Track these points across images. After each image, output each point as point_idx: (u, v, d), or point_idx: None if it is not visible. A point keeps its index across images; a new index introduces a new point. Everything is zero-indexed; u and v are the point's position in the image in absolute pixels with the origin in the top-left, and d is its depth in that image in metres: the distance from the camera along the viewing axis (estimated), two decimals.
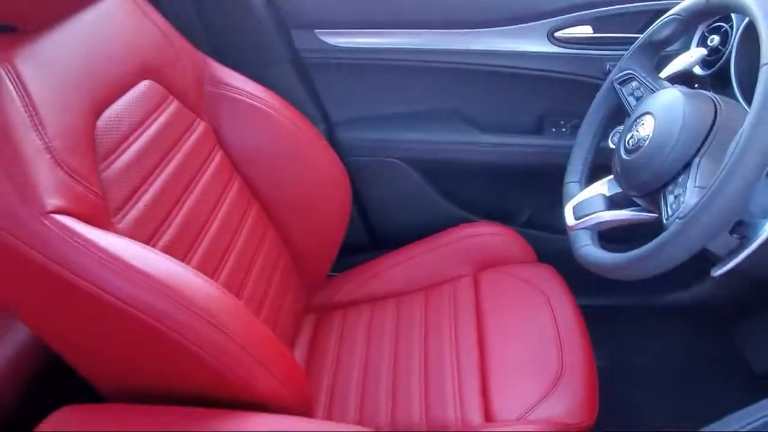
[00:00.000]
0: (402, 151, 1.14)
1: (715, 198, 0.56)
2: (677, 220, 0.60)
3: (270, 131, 0.94)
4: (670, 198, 0.66)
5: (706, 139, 0.65)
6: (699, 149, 0.65)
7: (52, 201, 0.54)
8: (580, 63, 1.04)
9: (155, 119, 0.77)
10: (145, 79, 0.76)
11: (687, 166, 0.65)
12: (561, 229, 1.22)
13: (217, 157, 0.89)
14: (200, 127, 0.87)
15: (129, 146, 0.70)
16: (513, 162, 1.12)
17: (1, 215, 0.52)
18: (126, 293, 0.54)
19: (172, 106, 0.81)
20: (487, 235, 1.06)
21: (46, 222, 0.53)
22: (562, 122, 1.11)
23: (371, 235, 1.25)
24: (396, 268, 1.06)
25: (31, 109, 0.55)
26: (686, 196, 0.62)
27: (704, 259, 1.18)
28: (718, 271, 0.65)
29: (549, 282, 0.98)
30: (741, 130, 0.56)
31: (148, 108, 0.76)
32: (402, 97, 1.13)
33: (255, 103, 0.92)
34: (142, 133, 0.73)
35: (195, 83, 0.87)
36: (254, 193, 0.96)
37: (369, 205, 1.20)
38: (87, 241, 0.54)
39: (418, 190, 1.18)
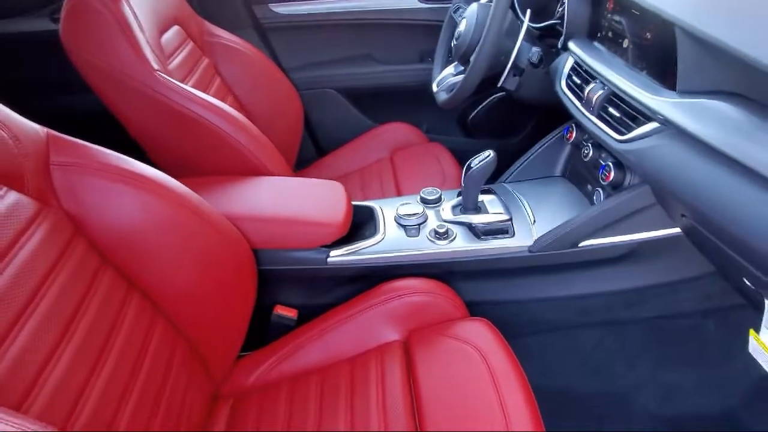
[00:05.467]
0: (334, 83, 1.70)
1: (482, 46, 1.15)
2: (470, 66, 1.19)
3: (250, 64, 1.48)
4: (474, 56, 1.24)
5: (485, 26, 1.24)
6: (483, 31, 1.24)
7: (156, 66, 1.06)
8: (439, 12, 1.64)
9: (183, 48, 1.29)
10: (176, 24, 1.29)
11: (478, 40, 1.24)
12: (452, 132, 1.82)
13: (217, 80, 1.42)
14: (205, 61, 1.40)
15: (175, 58, 1.23)
16: (406, 82, 1.72)
17: (132, 70, 1.04)
18: (203, 113, 1.07)
19: (190, 45, 1.34)
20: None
21: (155, 75, 1.05)
22: (434, 54, 1.70)
23: (317, 147, 1.79)
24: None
25: (137, 20, 1.08)
26: None
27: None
28: (501, 83, 1.25)
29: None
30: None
31: (179, 41, 1.28)
32: (332, 46, 1.70)
33: (237, 47, 1.46)
34: (179, 54, 1.26)
35: (199, 33, 1.41)
36: (241, 107, 1.48)
37: (314, 124, 1.76)
38: (177, 85, 1.07)
39: (347, 111, 1.75)
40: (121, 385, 0.72)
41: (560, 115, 1.36)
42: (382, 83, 1.73)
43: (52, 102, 1.55)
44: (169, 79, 1.06)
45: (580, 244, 1.01)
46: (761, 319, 0.82)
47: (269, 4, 1.62)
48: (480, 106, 1.78)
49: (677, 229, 0.96)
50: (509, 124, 1.84)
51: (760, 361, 0.83)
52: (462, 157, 1.53)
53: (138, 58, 1.04)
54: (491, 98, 1.76)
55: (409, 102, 1.77)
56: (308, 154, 1.78)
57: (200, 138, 1.09)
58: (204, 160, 1.13)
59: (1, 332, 0.59)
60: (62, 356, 0.65)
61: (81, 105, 1.46)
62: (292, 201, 1.04)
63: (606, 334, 1.13)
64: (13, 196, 0.68)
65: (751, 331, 0.83)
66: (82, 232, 0.77)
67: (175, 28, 1.28)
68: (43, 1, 1.55)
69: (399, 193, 1.41)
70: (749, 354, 0.85)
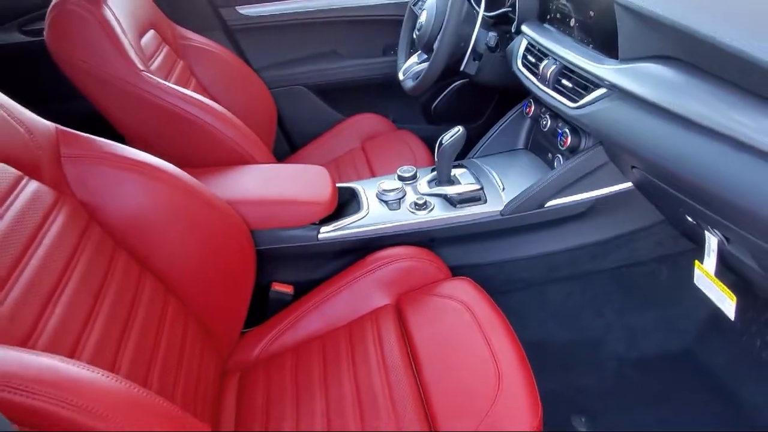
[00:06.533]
0: (303, 80, 1.78)
1: (444, 34, 1.26)
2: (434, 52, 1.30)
3: (222, 65, 1.54)
4: (437, 44, 1.34)
5: (445, 16, 1.35)
6: (443, 20, 1.35)
7: (141, 66, 1.12)
8: (399, 7, 1.74)
9: (160, 51, 1.35)
10: (152, 28, 1.35)
11: (439, 29, 1.35)
12: (417, 121, 1.92)
13: (193, 81, 1.48)
14: (180, 63, 1.45)
15: (154, 60, 1.29)
16: (371, 74, 1.81)
17: (119, 71, 1.10)
18: (191, 109, 1.13)
19: (166, 48, 1.40)
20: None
21: (141, 74, 1.11)
22: (397, 48, 1.80)
23: (289, 142, 1.87)
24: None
25: (119, 23, 1.13)
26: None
27: None
28: (462, 68, 1.35)
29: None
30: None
31: (156, 44, 1.34)
32: (298, 44, 1.77)
33: (210, 49, 1.53)
34: (158, 56, 1.32)
35: (173, 37, 1.46)
36: (212, 98, 1.54)
37: (286, 120, 1.83)
38: (164, 83, 1.13)
39: (317, 105, 1.83)
40: (145, 361, 0.78)
41: (516, 97, 1.48)
42: (349, 77, 1.81)
43: None
44: (155, 78, 1.12)
45: (546, 205, 1.12)
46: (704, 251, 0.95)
47: (235, 7, 1.68)
48: (442, 95, 1.88)
49: (629, 184, 1.08)
50: (470, 109, 1.95)
51: (703, 289, 0.96)
52: (429, 143, 1.63)
53: (124, 59, 1.10)
54: (452, 86, 1.86)
55: (375, 94, 1.86)
56: (281, 149, 1.85)
57: (189, 133, 1.16)
58: (194, 154, 1.19)
59: (34, 315, 0.64)
60: (91, 334, 0.71)
61: (55, 115, 1.49)
62: (281, 184, 1.11)
63: (574, 287, 1.25)
64: (34, 185, 0.74)
65: (696, 263, 0.95)
66: (96, 219, 0.83)
67: (151, 32, 1.34)
68: (11, 14, 1.58)
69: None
70: (699, 293, 0.98)
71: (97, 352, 0.69)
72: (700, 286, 0.96)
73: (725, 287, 0.90)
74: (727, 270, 0.96)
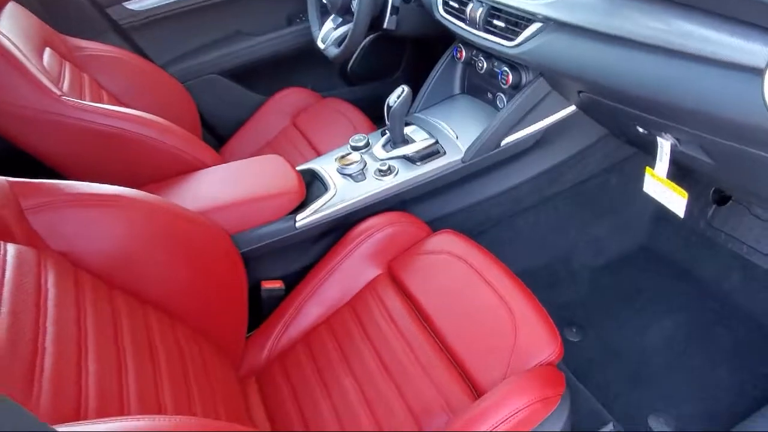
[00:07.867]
0: (214, 67, 1.69)
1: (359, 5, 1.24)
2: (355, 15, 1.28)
3: (127, 69, 1.43)
4: (354, 4, 1.32)
5: None
6: None
7: (56, 91, 1.02)
8: None
9: (64, 69, 1.23)
10: (47, 46, 1.22)
11: None
12: (338, 85, 1.89)
13: (104, 94, 1.37)
14: (86, 77, 1.33)
15: (63, 81, 1.17)
16: (282, 48, 1.75)
17: (37, 102, 0.99)
18: (124, 125, 1.06)
19: (68, 65, 1.27)
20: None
21: (62, 101, 1.02)
22: (301, 15, 1.75)
23: (215, 135, 1.79)
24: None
25: (18, 49, 1.02)
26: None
27: None
28: (385, 25, 1.35)
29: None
30: None
31: (57, 63, 1.21)
32: (199, 31, 1.67)
33: (109, 54, 1.41)
34: (64, 76, 1.20)
35: (68, 50, 1.33)
36: (128, 106, 1.43)
37: (207, 113, 1.74)
38: (88, 104, 1.04)
39: (235, 90, 1.75)
40: (184, 392, 0.76)
41: (431, 43, 1.49)
42: (260, 55, 1.74)
43: None
44: (78, 100, 1.03)
45: (502, 143, 1.17)
46: (655, 158, 1.03)
47: (123, 3, 1.55)
48: (355, 54, 1.87)
49: (572, 108, 1.15)
50: (384, 63, 1.95)
51: (653, 195, 1.05)
52: (359, 105, 1.62)
53: (37, 88, 1.00)
54: (362, 44, 1.85)
55: (291, 67, 1.82)
56: (210, 143, 1.76)
57: (129, 151, 1.08)
58: (140, 172, 1.12)
59: (73, 385, 0.60)
60: (129, 384, 0.67)
61: None
62: (246, 182, 1.08)
63: (539, 213, 1.33)
64: (12, 248, 0.68)
65: (647, 169, 1.04)
66: (80, 266, 0.77)
67: (48, 50, 1.21)
68: None
69: (320, 154, 1.47)
70: (643, 193, 1.07)
71: (141, 400, 0.66)
72: (649, 193, 1.05)
73: (678, 187, 0.99)
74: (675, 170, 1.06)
